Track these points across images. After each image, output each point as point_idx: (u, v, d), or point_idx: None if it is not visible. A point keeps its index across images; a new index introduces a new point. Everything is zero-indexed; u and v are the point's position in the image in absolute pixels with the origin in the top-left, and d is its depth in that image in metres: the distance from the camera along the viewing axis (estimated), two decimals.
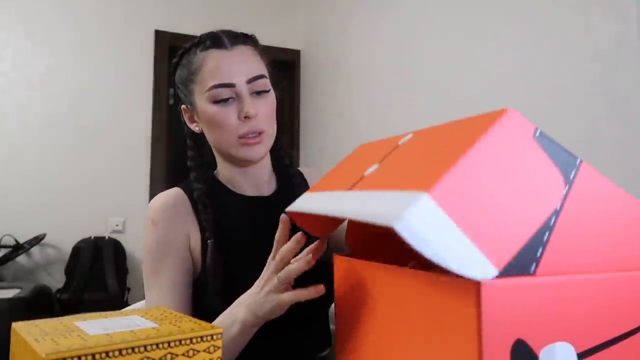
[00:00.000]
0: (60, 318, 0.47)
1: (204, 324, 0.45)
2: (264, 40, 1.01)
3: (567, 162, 0.47)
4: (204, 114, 0.88)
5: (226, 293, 0.80)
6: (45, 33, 2.94)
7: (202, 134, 0.94)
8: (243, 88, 0.86)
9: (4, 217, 2.76)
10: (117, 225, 2.99)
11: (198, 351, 0.42)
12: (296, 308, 0.68)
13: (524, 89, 1.69)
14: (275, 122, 0.92)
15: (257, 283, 0.71)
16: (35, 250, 2.81)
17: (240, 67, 0.87)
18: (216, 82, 0.85)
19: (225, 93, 0.85)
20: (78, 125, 2.96)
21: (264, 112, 0.88)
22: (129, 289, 2.85)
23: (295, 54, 3.47)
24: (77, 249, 2.80)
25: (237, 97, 0.86)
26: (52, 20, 2.96)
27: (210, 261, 0.83)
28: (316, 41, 3.29)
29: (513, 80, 1.73)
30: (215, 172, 0.98)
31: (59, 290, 2.71)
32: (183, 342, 0.42)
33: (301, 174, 1.04)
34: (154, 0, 3.18)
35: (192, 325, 0.44)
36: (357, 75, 2.77)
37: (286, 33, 3.46)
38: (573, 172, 0.47)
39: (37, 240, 2.70)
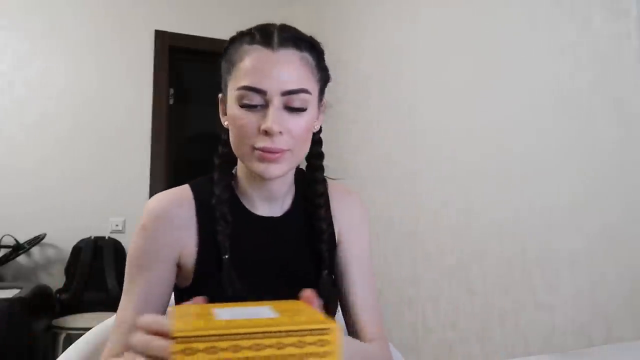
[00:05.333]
0: (204, 305, 0.51)
1: (317, 316, 0.47)
2: None
3: None
4: (229, 112, 0.79)
5: None
6: (45, 33, 2.94)
7: None
8: (275, 99, 0.75)
9: (4, 217, 2.76)
10: (117, 225, 2.99)
11: (308, 344, 0.44)
12: None
13: (524, 89, 1.69)
14: (305, 143, 0.81)
15: None
16: (35, 250, 2.81)
17: (279, 73, 0.75)
18: (247, 84, 0.75)
19: (254, 99, 0.75)
20: (78, 125, 2.97)
21: (292, 130, 0.77)
22: None
23: None
24: (77, 249, 2.81)
25: (267, 106, 0.76)
26: (51, 20, 2.96)
27: (226, 278, 0.79)
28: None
29: (513, 80, 1.74)
30: (232, 182, 0.88)
31: (59, 290, 2.71)
32: (293, 333, 0.44)
33: (327, 195, 0.91)
34: (154, 0, 3.19)
35: (306, 319, 0.46)
36: (357, 75, 2.77)
37: None
38: None
39: (37, 240, 2.69)
